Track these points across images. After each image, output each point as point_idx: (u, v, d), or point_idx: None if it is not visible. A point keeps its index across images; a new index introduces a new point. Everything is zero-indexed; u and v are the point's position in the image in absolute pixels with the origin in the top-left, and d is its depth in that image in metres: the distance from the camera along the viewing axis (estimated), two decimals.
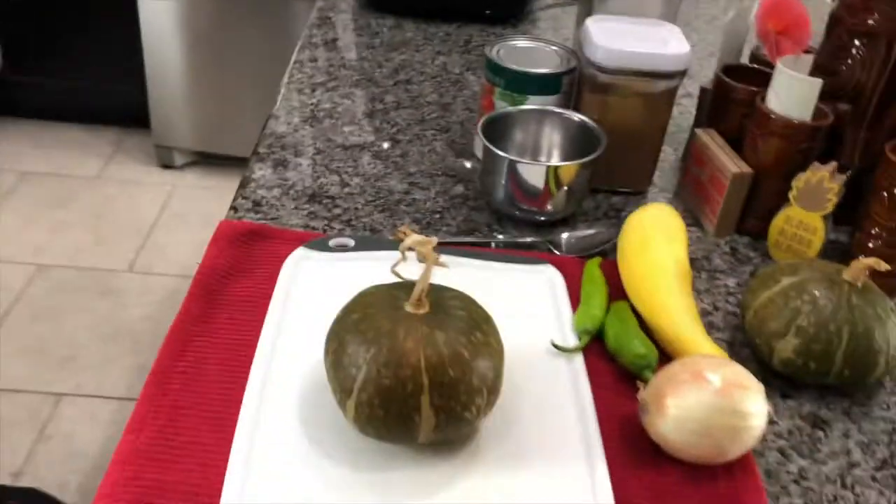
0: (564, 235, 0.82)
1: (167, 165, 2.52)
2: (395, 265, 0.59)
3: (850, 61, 0.81)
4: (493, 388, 0.57)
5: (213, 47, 2.29)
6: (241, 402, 0.61)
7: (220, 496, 0.54)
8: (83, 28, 2.45)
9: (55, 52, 2.50)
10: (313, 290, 0.72)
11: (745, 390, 0.58)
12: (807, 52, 0.83)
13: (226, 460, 0.57)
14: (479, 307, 0.59)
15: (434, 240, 0.57)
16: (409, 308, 0.56)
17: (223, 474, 0.56)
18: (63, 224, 2.27)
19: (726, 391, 0.57)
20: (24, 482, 1.57)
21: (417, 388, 0.54)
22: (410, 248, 0.58)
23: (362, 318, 0.57)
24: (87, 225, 2.27)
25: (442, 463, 0.58)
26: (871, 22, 0.77)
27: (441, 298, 0.58)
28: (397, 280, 0.59)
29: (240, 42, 2.27)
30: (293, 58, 1.14)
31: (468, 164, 0.80)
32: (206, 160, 2.54)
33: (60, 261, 2.14)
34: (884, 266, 0.65)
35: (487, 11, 1.33)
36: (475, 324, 0.57)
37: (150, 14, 2.24)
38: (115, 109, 2.62)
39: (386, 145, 0.95)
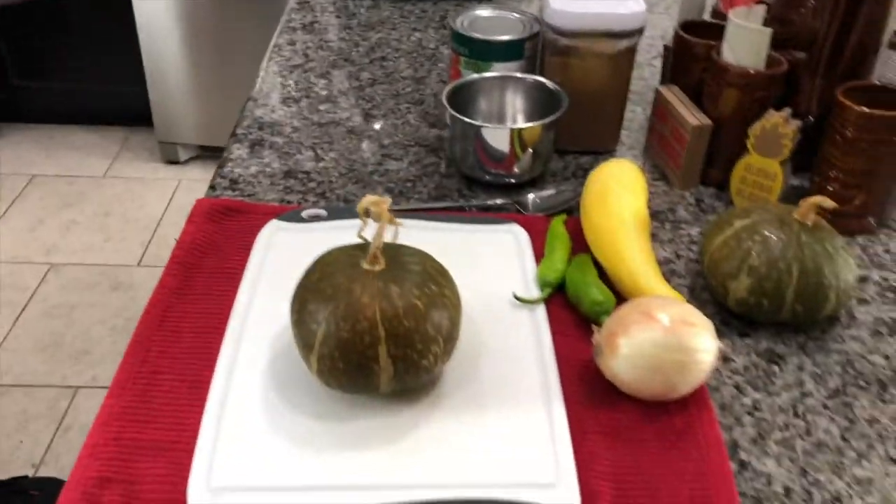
0: (531, 196, 0.84)
1: (172, 161, 2.57)
2: (361, 230, 0.62)
3: (802, 10, 0.82)
4: (449, 337, 0.60)
5: (210, 42, 2.32)
6: (215, 364, 0.64)
7: (194, 450, 0.58)
8: (83, 32, 2.50)
9: (58, 57, 2.55)
10: (286, 260, 0.74)
11: (692, 327, 0.60)
12: (760, 2, 0.85)
13: (200, 418, 0.60)
14: (435, 262, 0.62)
15: (388, 199, 0.60)
16: (365, 266, 0.59)
17: (197, 430, 0.59)
18: (73, 223, 2.32)
19: (674, 329, 0.60)
20: (45, 472, 1.62)
21: (374, 339, 0.56)
22: (367, 211, 0.61)
23: (321, 277, 0.60)
24: (97, 223, 2.32)
25: (405, 410, 0.61)
26: None
27: (397, 255, 0.61)
28: (357, 242, 0.62)
29: (237, 35, 2.30)
30: (272, 42, 1.17)
31: None
32: (210, 154, 2.58)
33: (72, 259, 2.19)
34: (829, 203, 0.67)
35: None
36: (430, 277, 0.60)
37: (145, 12, 2.28)
38: (118, 110, 2.66)
39: (378, 126, 0.98)
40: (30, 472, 1.62)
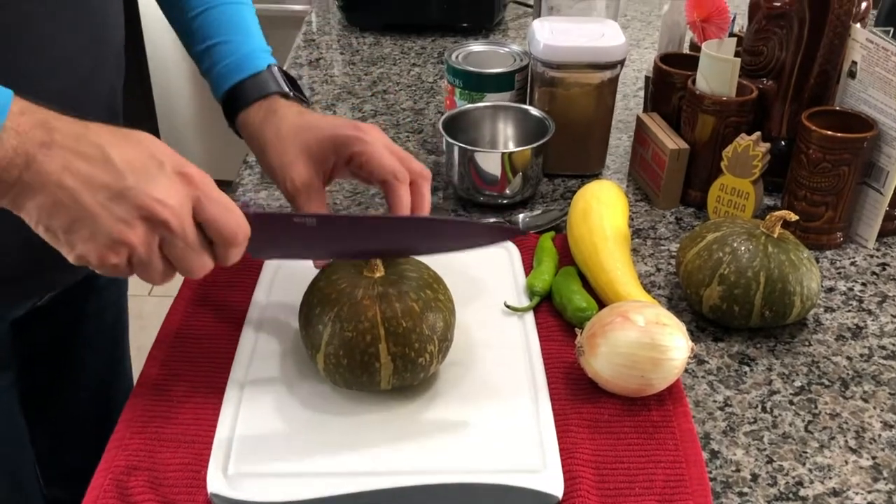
0: (521, 215, 0.91)
1: None
2: None
3: (770, 42, 0.89)
4: (443, 337, 0.65)
5: None
6: (230, 367, 0.70)
7: (212, 443, 0.63)
8: None
9: None
10: (295, 273, 0.80)
11: (664, 327, 0.66)
12: (734, 35, 0.92)
13: (217, 415, 0.65)
14: (430, 270, 0.68)
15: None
16: (365, 273, 0.65)
17: (215, 426, 0.64)
18: None
19: (648, 329, 0.65)
20: None
21: (375, 337, 0.62)
22: None
23: (327, 283, 0.66)
24: None
25: (404, 406, 0.66)
26: (781, 5, 0.86)
27: (395, 264, 0.67)
28: None
29: None
30: None
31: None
32: (220, 188, 2.65)
33: None
34: (792, 216, 0.73)
35: (465, 24, 1.43)
36: (425, 283, 0.66)
37: (157, 51, 2.37)
38: None
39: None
40: None
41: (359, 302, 0.63)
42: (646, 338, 0.65)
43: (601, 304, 0.75)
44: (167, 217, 0.54)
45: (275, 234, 0.62)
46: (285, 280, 0.80)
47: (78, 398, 0.98)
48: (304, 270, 0.73)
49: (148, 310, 2.19)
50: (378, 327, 0.62)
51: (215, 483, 0.60)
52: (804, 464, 0.64)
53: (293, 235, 0.63)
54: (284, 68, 0.78)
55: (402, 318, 0.63)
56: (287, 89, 0.76)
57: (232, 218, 0.57)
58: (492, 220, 0.90)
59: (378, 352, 0.63)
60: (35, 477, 0.88)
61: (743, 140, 0.85)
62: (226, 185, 2.53)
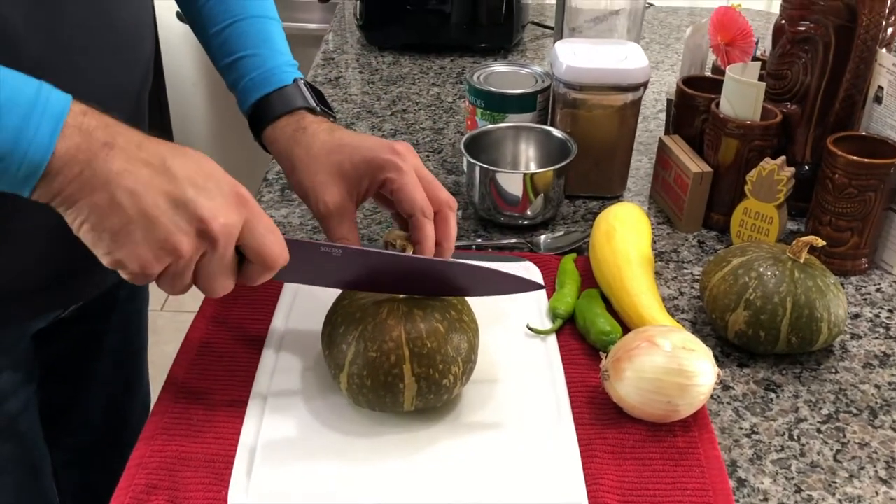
0: (543, 237, 0.90)
1: None
2: None
3: (794, 66, 0.89)
4: (467, 359, 0.65)
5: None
6: (251, 385, 0.69)
7: (232, 463, 0.62)
8: None
9: None
10: (315, 293, 0.80)
11: (691, 352, 0.65)
12: (756, 59, 0.91)
13: (238, 434, 0.65)
14: None
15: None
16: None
17: (236, 445, 0.64)
18: None
19: (675, 354, 0.65)
20: None
21: (400, 358, 0.62)
22: (390, 242, 0.67)
23: (350, 302, 0.65)
24: None
25: (427, 427, 0.66)
26: (806, 29, 0.85)
27: None
28: None
29: None
30: None
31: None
32: None
33: None
34: (819, 242, 0.72)
35: (483, 45, 1.43)
36: (450, 303, 0.66)
37: (173, 67, 2.39)
38: None
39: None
40: None
41: (383, 321, 0.62)
42: (673, 363, 0.64)
43: (625, 328, 0.75)
44: (218, 234, 0.53)
45: (300, 260, 0.62)
46: (307, 299, 0.79)
47: (95, 411, 0.97)
48: (325, 290, 0.72)
49: (161, 324, 2.19)
50: (402, 347, 0.62)
51: (237, 501, 0.59)
52: (834, 494, 0.63)
53: (318, 263, 0.63)
54: None
55: (426, 339, 0.62)
56: (314, 104, 0.76)
57: (277, 243, 0.57)
58: (513, 241, 0.90)
59: (402, 372, 0.62)
60: (54, 491, 0.87)
61: (768, 164, 0.84)
62: None
